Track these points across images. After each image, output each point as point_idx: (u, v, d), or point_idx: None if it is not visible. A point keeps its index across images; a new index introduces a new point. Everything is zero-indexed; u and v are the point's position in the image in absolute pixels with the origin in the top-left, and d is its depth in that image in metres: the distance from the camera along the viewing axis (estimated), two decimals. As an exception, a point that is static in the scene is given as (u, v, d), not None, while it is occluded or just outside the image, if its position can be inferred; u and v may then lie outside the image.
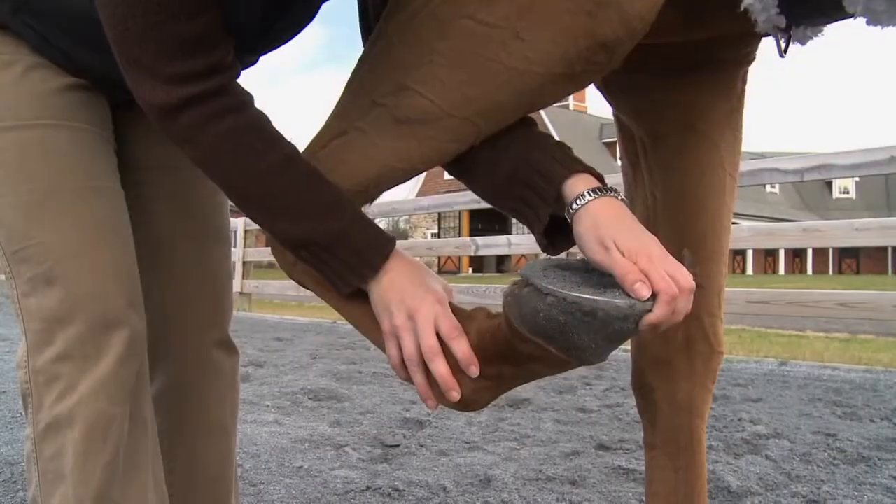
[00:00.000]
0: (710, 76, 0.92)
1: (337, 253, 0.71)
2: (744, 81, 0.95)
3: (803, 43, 0.78)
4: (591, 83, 0.79)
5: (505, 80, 0.68)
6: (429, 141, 0.72)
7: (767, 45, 0.91)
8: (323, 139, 0.77)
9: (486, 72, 0.68)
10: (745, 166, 4.33)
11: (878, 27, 0.69)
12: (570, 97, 37.35)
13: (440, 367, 0.70)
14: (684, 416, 0.96)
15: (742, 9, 0.73)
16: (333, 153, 0.75)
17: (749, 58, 0.93)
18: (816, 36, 0.78)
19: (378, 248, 0.72)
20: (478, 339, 0.70)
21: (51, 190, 0.78)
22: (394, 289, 0.71)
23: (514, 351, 0.68)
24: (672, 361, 0.95)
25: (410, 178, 0.78)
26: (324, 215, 0.71)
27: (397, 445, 2.11)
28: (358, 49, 0.81)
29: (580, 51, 0.67)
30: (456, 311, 0.74)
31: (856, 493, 1.66)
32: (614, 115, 1.02)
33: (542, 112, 33.59)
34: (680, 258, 0.67)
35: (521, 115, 0.74)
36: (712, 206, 0.94)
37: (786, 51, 0.79)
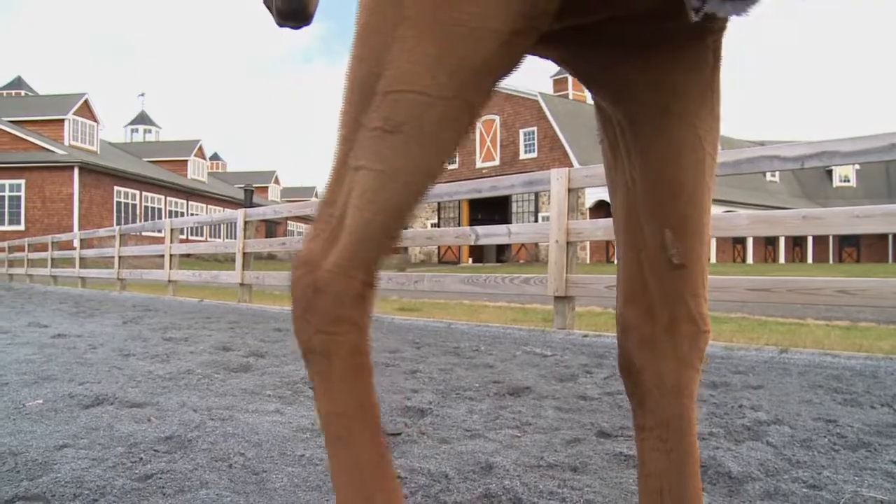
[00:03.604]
0: (672, 52, 0.88)
1: None
2: (716, 56, 0.90)
3: (721, 14, 0.74)
4: (544, 31, 0.76)
5: (472, 42, 0.67)
6: (431, 138, 0.71)
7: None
8: (333, 195, 0.75)
9: (453, 38, 0.67)
10: (744, 154, 4.32)
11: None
12: (570, 87, 37.25)
13: None
14: (673, 397, 0.96)
15: None
16: (351, 209, 0.74)
17: (709, 27, 0.86)
18: (739, 13, 0.74)
19: None
20: None
21: None
22: None
23: None
24: (657, 343, 0.95)
25: (436, 183, 0.76)
26: None
27: (399, 433, 2.11)
28: (350, 44, 0.80)
29: None
30: None
31: (856, 478, 1.66)
32: (594, 101, 1.00)
33: (541, 101, 33.55)
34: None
35: (501, 79, 0.73)
36: (691, 186, 0.93)
37: (699, 12, 0.73)
